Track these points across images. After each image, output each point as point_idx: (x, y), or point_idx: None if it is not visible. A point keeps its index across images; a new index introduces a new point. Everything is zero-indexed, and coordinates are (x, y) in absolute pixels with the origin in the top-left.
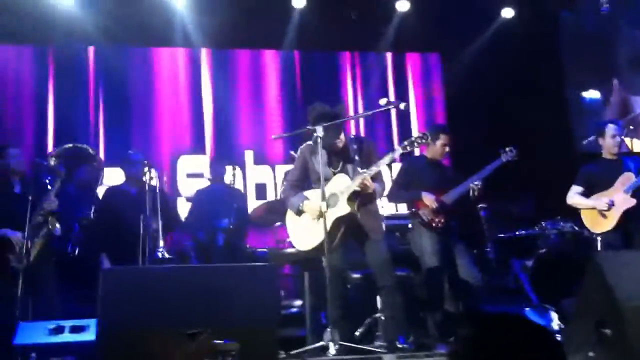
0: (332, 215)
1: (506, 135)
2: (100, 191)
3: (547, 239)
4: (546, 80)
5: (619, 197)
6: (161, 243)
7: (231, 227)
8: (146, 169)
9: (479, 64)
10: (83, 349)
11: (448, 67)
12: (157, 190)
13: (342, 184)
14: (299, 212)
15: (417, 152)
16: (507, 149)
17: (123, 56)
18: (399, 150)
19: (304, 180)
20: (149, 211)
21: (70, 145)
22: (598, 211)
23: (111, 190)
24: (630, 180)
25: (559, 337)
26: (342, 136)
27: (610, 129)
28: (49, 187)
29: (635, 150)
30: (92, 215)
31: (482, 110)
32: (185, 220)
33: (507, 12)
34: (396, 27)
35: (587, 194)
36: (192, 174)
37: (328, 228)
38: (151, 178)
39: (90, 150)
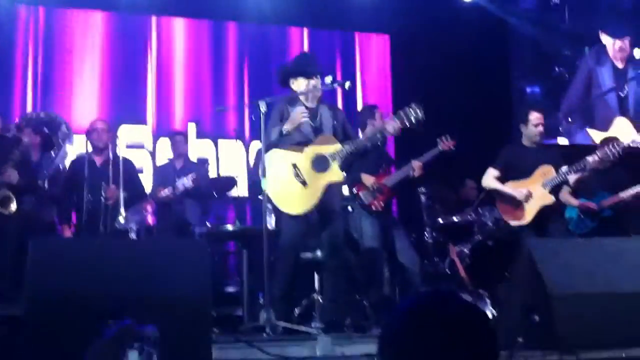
0: (324, 180)
1: (450, 122)
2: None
3: (483, 226)
4: (492, 69)
5: (537, 191)
6: (122, 214)
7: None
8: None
9: (428, 49)
10: (10, 321)
11: (396, 49)
12: (121, 161)
13: (330, 147)
14: (288, 168)
15: None
16: (444, 137)
17: (65, 19)
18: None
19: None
20: (112, 181)
21: (37, 113)
22: (514, 202)
23: (76, 159)
24: (550, 175)
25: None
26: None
27: (534, 116)
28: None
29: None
30: (46, 181)
31: (428, 95)
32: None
33: None
34: (348, 5)
35: (502, 178)
36: (131, 144)
37: (319, 194)
38: (116, 147)
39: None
